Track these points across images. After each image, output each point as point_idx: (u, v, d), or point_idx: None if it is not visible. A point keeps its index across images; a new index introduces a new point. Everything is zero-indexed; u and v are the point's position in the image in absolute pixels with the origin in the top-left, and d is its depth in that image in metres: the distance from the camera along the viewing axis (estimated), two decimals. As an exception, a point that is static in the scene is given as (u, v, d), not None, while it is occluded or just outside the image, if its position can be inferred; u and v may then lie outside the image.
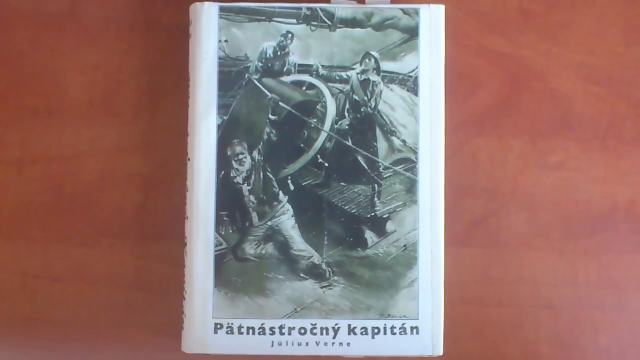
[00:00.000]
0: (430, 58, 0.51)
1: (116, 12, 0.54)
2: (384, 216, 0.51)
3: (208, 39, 0.50)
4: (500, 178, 0.54)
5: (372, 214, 0.51)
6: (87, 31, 0.54)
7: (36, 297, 0.53)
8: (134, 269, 0.54)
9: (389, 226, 0.51)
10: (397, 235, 0.50)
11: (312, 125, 0.51)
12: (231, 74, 0.50)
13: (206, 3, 0.50)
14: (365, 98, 0.51)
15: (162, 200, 0.54)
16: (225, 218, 0.50)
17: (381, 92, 0.51)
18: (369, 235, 0.51)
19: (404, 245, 0.50)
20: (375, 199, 0.51)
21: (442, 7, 0.51)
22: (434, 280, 0.50)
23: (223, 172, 0.50)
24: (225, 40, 0.50)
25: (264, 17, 0.50)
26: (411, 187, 0.50)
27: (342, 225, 0.50)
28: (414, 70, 0.51)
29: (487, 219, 0.54)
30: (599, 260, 0.54)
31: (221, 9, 0.50)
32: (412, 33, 0.51)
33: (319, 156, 0.50)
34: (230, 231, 0.50)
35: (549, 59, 0.55)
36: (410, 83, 0.51)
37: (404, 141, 0.51)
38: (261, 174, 0.50)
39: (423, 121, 0.51)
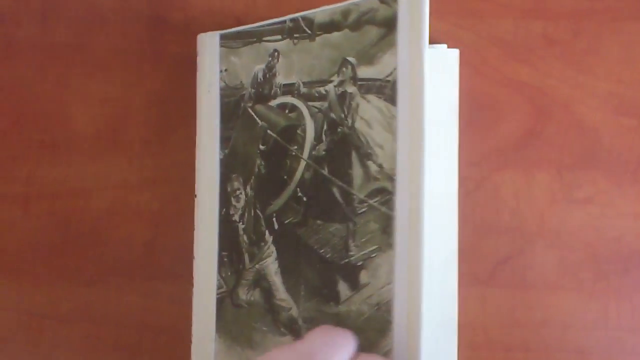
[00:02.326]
0: (410, 56, 0.40)
1: (124, 44, 0.53)
2: (358, 264, 0.41)
3: (211, 70, 0.48)
4: (525, 214, 0.52)
5: (346, 260, 0.41)
6: (94, 63, 0.54)
7: (42, 338, 0.53)
8: (142, 308, 0.52)
9: (363, 277, 0.41)
10: (371, 289, 0.40)
11: (293, 154, 0.45)
12: (230, 105, 0.48)
13: (209, 33, 0.49)
14: (342, 115, 0.43)
15: (171, 237, 0.52)
16: (225, 259, 0.47)
17: (358, 105, 0.43)
18: (342, 288, 0.41)
19: (377, 304, 0.40)
20: (350, 240, 0.42)
21: None
22: (412, 356, 0.38)
23: (224, 210, 0.47)
24: (225, 70, 0.48)
25: (255, 39, 0.47)
26: (387, 226, 0.40)
27: (317, 273, 0.43)
28: (391, 74, 0.41)
29: (512, 258, 0.51)
30: (631, 302, 0.51)
31: (221, 37, 0.48)
32: (389, 25, 0.41)
33: (298, 189, 0.44)
34: (229, 273, 0.47)
35: (575, 88, 0.52)
36: (387, 90, 0.41)
37: (380, 166, 0.41)
38: (252, 211, 0.46)
39: (402, 138, 0.40)
